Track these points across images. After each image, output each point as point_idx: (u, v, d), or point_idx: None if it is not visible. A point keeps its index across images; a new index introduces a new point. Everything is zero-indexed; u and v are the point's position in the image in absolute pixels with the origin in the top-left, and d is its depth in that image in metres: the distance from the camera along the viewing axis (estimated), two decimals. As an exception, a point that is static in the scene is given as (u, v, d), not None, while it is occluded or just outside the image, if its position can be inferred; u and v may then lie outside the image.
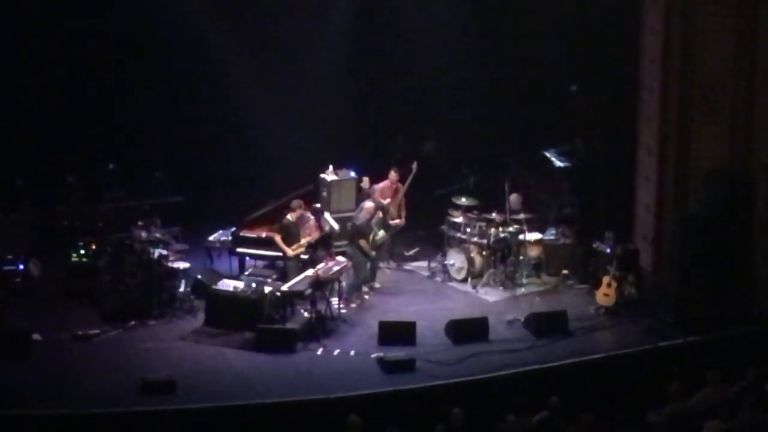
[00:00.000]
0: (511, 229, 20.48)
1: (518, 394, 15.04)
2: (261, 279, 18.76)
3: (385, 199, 20.98)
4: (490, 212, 20.84)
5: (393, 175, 21.33)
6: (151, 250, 18.93)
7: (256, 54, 23.40)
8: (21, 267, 19.36)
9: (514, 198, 20.87)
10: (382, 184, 21.38)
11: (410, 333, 17.86)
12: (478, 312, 18.93)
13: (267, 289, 18.23)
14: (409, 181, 21.23)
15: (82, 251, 19.73)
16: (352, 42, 24.00)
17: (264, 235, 19.97)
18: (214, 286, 18.66)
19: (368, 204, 20.23)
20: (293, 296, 18.31)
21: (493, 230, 20.46)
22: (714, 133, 19.32)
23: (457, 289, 20.44)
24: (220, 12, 22.97)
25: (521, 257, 20.52)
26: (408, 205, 21.28)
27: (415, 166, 21.33)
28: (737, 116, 19.09)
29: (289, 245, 19.34)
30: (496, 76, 23.89)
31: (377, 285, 20.10)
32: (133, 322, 18.23)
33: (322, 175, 21.94)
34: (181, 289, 19.11)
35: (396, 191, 21.21)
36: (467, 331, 17.99)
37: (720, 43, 19.05)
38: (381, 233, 20.14)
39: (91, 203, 21.05)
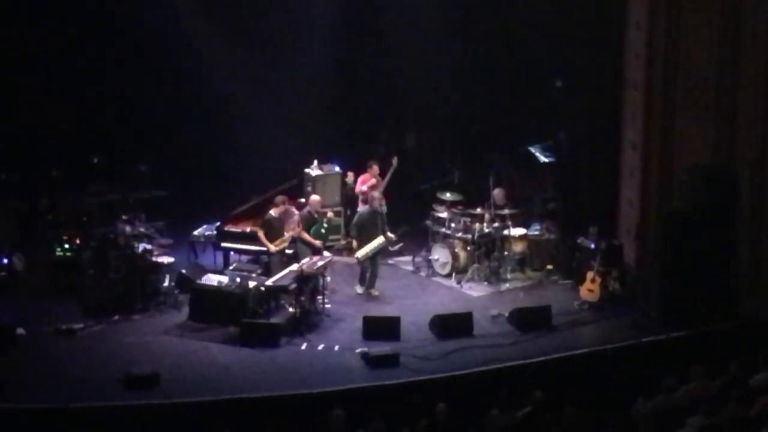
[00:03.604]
0: (495, 224, 20.50)
1: (502, 389, 15.06)
2: (245, 274, 18.75)
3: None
4: (475, 207, 20.85)
5: (375, 168, 21.30)
6: (136, 245, 18.93)
7: (241, 48, 23.40)
8: (5, 261, 19.37)
9: (497, 193, 20.87)
10: (363, 176, 21.35)
11: (394, 328, 17.88)
12: (463, 307, 18.92)
13: (251, 284, 18.22)
14: (389, 176, 21.20)
15: (66, 245, 19.71)
16: (336, 37, 24.01)
17: (248, 229, 19.97)
18: (198, 281, 18.68)
19: (313, 197, 20.35)
20: (277, 291, 18.31)
21: (477, 225, 20.47)
22: (698, 128, 19.33)
23: (441, 284, 20.46)
24: (205, 7, 22.92)
25: (506, 252, 20.52)
26: (392, 200, 21.22)
27: (395, 161, 21.31)
28: (721, 111, 19.11)
29: (272, 240, 19.31)
30: (481, 70, 23.95)
31: (376, 293, 19.79)
32: (116, 317, 18.24)
33: (307, 170, 21.97)
34: (165, 284, 19.10)
35: (375, 185, 21.14)
36: (451, 326, 18.01)
37: (704, 38, 19.07)
38: (379, 239, 19.91)
39: (76, 197, 20.99)
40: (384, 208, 20.13)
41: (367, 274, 19.72)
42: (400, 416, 14.91)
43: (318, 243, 19.66)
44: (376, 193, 20.33)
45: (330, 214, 20.44)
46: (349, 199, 21.76)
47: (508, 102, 23.73)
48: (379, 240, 19.76)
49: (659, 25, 19.43)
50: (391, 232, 20.19)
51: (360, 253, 19.57)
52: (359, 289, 19.77)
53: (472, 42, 23.82)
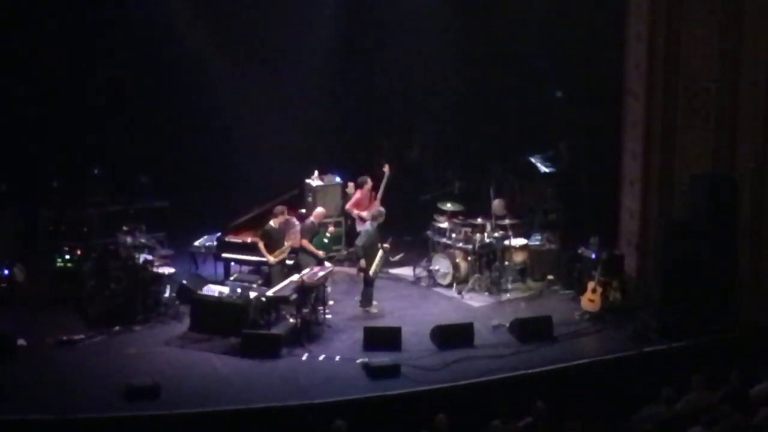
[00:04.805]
0: (496, 234, 20.49)
1: (503, 400, 15.05)
2: (246, 284, 18.74)
3: (363, 209, 20.90)
4: (476, 217, 20.84)
5: (369, 183, 21.26)
6: (136, 255, 18.91)
7: (242, 58, 23.41)
8: (5, 272, 19.33)
9: (497, 203, 20.85)
10: (358, 195, 21.28)
11: (395, 338, 17.86)
12: (463, 317, 18.90)
13: (252, 295, 18.22)
14: (383, 185, 21.16)
15: (67, 256, 19.70)
16: (338, 47, 24.01)
17: (249, 240, 19.97)
18: (199, 292, 18.66)
19: (318, 209, 20.29)
20: (278, 301, 18.30)
21: (478, 235, 20.46)
22: (698, 137, 19.36)
23: (442, 295, 20.44)
24: (206, 16, 22.94)
25: (506, 262, 20.51)
26: (392, 210, 21.18)
27: (387, 168, 21.27)
28: (721, 121, 19.14)
29: (272, 251, 19.29)
30: (482, 81, 23.93)
31: (374, 310, 19.60)
32: (117, 328, 18.22)
33: (308, 180, 21.98)
34: (166, 295, 19.09)
35: (373, 199, 21.11)
36: (452, 336, 17.98)
37: (704, 48, 19.10)
38: (379, 255, 19.74)
39: (76, 208, 20.97)
40: None
41: (372, 288, 19.66)
42: (400, 427, 14.93)
43: (321, 253, 19.67)
44: (382, 209, 20.21)
45: (331, 228, 20.41)
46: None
47: (508, 112, 23.73)
48: (381, 253, 19.75)
49: (660, 36, 19.44)
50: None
51: (372, 271, 19.46)
52: (375, 309, 19.55)
53: (473, 52, 23.81)
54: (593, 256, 19.67)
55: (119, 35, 22.39)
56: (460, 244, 20.69)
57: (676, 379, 15.56)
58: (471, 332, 18.15)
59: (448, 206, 21.10)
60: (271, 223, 19.51)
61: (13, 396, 15.71)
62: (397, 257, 21.59)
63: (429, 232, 21.24)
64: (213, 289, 18.59)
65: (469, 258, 20.56)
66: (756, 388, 14.97)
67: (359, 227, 20.66)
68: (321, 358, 17.40)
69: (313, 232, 19.84)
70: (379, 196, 21.09)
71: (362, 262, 19.33)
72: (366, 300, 19.47)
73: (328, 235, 20.10)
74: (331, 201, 21.90)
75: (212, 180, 23.10)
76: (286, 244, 19.45)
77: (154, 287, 18.91)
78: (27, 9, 21.77)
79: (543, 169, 23.20)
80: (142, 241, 19.38)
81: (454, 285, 20.49)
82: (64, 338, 17.63)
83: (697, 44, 19.14)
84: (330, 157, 23.29)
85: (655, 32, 19.49)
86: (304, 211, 20.92)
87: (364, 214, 20.67)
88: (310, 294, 18.38)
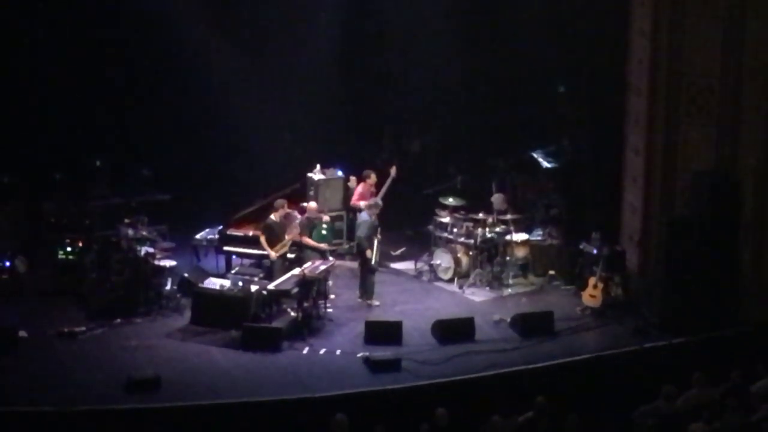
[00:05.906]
0: (497, 229, 20.48)
1: (504, 395, 15.05)
2: (247, 277, 18.73)
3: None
4: (477, 212, 20.84)
5: (373, 177, 21.25)
6: (138, 248, 18.91)
7: (245, 52, 23.39)
8: (7, 264, 19.34)
9: (497, 198, 20.85)
10: (360, 189, 21.29)
11: (396, 332, 17.88)
12: (465, 312, 18.93)
13: (253, 288, 18.22)
14: (386, 187, 21.12)
15: (69, 248, 19.70)
16: (340, 41, 23.96)
17: (251, 233, 19.98)
18: (200, 284, 18.67)
19: (311, 204, 20.21)
20: (279, 295, 18.32)
21: (480, 230, 20.46)
22: (701, 134, 19.33)
23: (443, 289, 20.44)
24: (208, 11, 22.92)
25: (508, 257, 20.51)
26: (394, 205, 21.17)
27: (393, 171, 21.25)
28: (724, 118, 19.12)
29: (273, 245, 19.29)
30: (484, 76, 23.90)
31: (376, 303, 19.61)
32: (119, 320, 18.23)
33: (310, 174, 21.95)
34: (168, 287, 19.09)
35: (374, 194, 21.07)
36: (453, 331, 18.00)
37: (708, 45, 19.07)
38: (375, 245, 19.65)
39: (78, 200, 20.98)
40: None
41: (374, 280, 19.67)
42: (401, 421, 14.93)
43: (324, 246, 19.66)
44: (379, 200, 20.21)
45: (326, 218, 20.35)
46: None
47: (511, 107, 23.71)
48: (377, 244, 19.76)
49: (663, 32, 19.42)
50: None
51: (373, 261, 19.52)
52: (376, 301, 19.58)
53: (476, 47, 23.79)
54: (595, 251, 19.66)
55: (122, 29, 22.36)
56: (462, 239, 20.69)
57: (676, 375, 15.56)
58: (472, 327, 18.17)
59: (450, 201, 21.09)
60: (272, 216, 19.52)
61: (14, 388, 15.73)
62: (398, 251, 21.59)
63: (430, 227, 21.23)
64: (214, 282, 18.60)
65: (471, 253, 20.56)
66: (756, 384, 14.97)
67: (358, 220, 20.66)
68: (322, 351, 17.42)
69: (309, 228, 19.82)
70: (380, 194, 21.02)
71: (368, 253, 19.36)
72: (367, 292, 19.48)
73: (324, 226, 20.06)
74: (333, 195, 21.89)
75: (214, 173, 23.09)
76: (286, 237, 19.44)
77: (155, 280, 18.93)
78: (31, 2, 21.76)
79: (545, 164, 23.18)
80: (144, 233, 19.36)
81: (456, 280, 20.49)
82: (66, 330, 17.65)
83: (700, 40, 19.11)
84: (332, 150, 23.24)
85: (659, 28, 19.48)
86: (305, 204, 20.89)
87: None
88: (312, 288, 18.38)
